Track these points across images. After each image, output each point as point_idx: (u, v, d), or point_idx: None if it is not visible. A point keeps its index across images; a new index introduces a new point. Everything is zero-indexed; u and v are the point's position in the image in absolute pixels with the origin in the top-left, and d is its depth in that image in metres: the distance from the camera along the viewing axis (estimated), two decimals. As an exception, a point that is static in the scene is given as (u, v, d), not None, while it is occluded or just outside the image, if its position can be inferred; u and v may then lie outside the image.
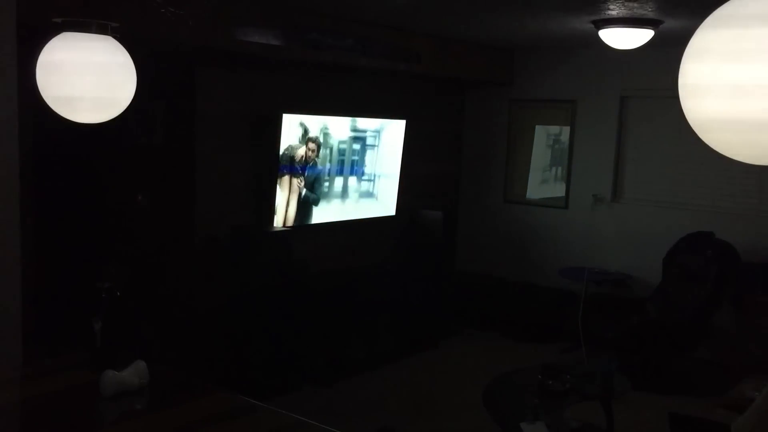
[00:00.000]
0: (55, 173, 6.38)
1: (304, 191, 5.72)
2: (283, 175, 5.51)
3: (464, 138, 7.57)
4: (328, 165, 5.87)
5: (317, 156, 5.76)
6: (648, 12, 4.50)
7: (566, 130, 6.92)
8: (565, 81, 6.85)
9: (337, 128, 5.88)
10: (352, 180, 6.16)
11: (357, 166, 6.17)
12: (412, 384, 5.59)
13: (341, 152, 5.97)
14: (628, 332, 5.55)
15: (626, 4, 4.26)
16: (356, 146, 6.10)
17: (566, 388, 4.17)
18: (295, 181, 5.67)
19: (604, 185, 6.71)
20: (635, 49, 5.09)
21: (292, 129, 5.48)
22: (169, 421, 2.29)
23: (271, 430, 2.31)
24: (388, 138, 6.36)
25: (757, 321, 5.88)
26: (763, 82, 1.12)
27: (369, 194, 6.34)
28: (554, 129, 7.05)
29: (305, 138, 5.62)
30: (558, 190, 7.00)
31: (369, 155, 6.24)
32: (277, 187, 5.44)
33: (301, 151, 5.63)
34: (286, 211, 5.59)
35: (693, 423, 3.41)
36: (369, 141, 6.20)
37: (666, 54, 5.86)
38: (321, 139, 5.76)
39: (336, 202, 6.02)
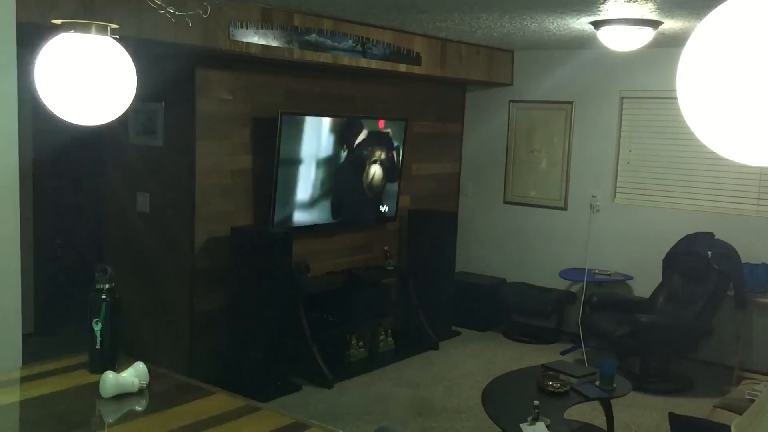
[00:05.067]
0: (54, 174, 6.38)
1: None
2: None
3: (464, 139, 7.57)
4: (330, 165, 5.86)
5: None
6: (647, 12, 4.50)
7: (566, 130, 6.92)
8: (565, 82, 6.85)
9: (337, 128, 5.88)
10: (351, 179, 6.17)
11: (356, 166, 6.16)
12: (412, 384, 5.59)
13: (341, 152, 5.97)
14: (628, 333, 5.55)
15: (625, 4, 4.26)
16: (355, 146, 6.09)
17: (566, 389, 4.17)
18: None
19: (603, 186, 6.71)
20: (635, 49, 5.10)
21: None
22: (169, 422, 2.29)
23: (271, 430, 2.31)
24: (387, 138, 6.36)
25: (757, 321, 5.89)
26: (763, 81, 1.12)
27: (369, 194, 6.34)
28: (554, 130, 7.05)
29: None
30: (558, 191, 7.00)
31: (368, 155, 6.23)
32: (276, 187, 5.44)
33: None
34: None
35: (693, 423, 3.41)
36: (369, 140, 6.19)
37: (665, 55, 5.92)
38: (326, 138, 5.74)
39: (336, 203, 6.01)
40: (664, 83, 6.07)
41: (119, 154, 5.56)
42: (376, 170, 6.30)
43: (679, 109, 1.30)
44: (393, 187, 6.51)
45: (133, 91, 2.17)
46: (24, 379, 2.63)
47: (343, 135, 5.93)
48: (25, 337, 2.98)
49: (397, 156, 6.46)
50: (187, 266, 5.24)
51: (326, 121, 5.77)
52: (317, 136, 5.74)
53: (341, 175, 6.00)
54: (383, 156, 6.33)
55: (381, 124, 6.20)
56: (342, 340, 5.82)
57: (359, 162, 6.16)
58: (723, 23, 1.18)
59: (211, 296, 5.30)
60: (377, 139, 6.24)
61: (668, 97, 5.96)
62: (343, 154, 5.98)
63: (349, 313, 5.83)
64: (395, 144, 6.41)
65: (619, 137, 6.65)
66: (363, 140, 6.11)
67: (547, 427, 3.67)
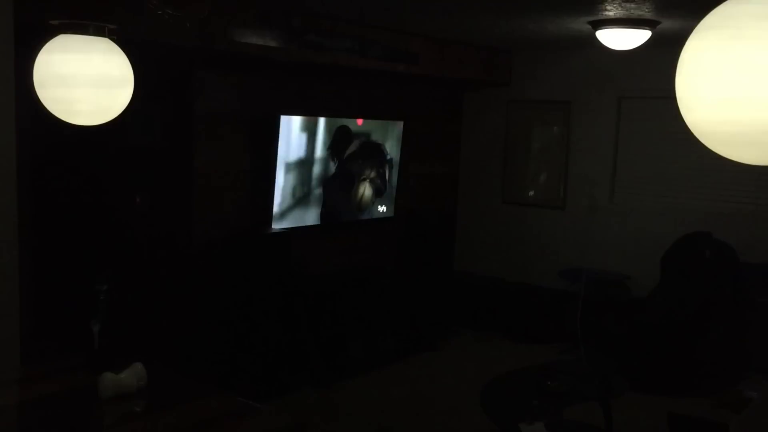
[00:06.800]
0: (52, 175, 6.38)
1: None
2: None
3: (462, 139, 7.58)
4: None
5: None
6: (645, 13, 4.51)
7: (564, 130, 6.93)
8: (563, 82, 6.85)
9: (334, 128, 5.88)
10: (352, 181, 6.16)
11: (356, 167, 6.16)
12: (411, 385, 5.59)
13: (341, 153, 5.96)
14: (627, 333, 5.56)
15: (623, 4, 4.27)
16: (355, 147, 6.09)
17: (565, 389, 4.17)
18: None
19: (601, 186, 6.71)
20: (633, 50, 5.10)
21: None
22: (168, 423, 2.29)
23: (270, 430, 2.31)
24: (386, 139, 6.36)
25: (756, 321, 5.89)
26: (761, 81, 1.13)
27: (368, 194, 6.34)
28: (552, 130, 7.06)
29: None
30: (556, 191, 7.01)
31: (368, 156, 6.23)
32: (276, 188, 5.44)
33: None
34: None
35: (692, 423, 3.42)
36: (368, 142, 6.19)
37: (663, 55, 5.89)
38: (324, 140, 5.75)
39: (335, 203, 6.01)
40: (662, 83, 6.03)
41: (117, 154, 5.55)
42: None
43: (677, 109, 1.30)
44: (390, 190, 6.51)
45: (130, 91, 2.17)
46: (23, 380, 2.63)
47: (335, 136, 5.92)
48: (24, 338, 2.98)
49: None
50: (185, 266, 5.23)
51: (324, 122, 5.77)
52: (315, 137, 5.74)
53: (335, 178, 6.00)
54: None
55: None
56: (341, 341, 5.82)
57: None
58: (721, 23, 1.18)
59: (210, 297, 5.30)
60: (367, 146, 6.23)
61: (666, 97, 5.96)
62: (336, 156, 5.98)
63: (347, 313, 5.83)
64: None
65: (617, 137, 6.65)
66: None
67: (546, 427, 3.67)
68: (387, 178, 6.45)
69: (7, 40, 2.83)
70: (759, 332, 5.90)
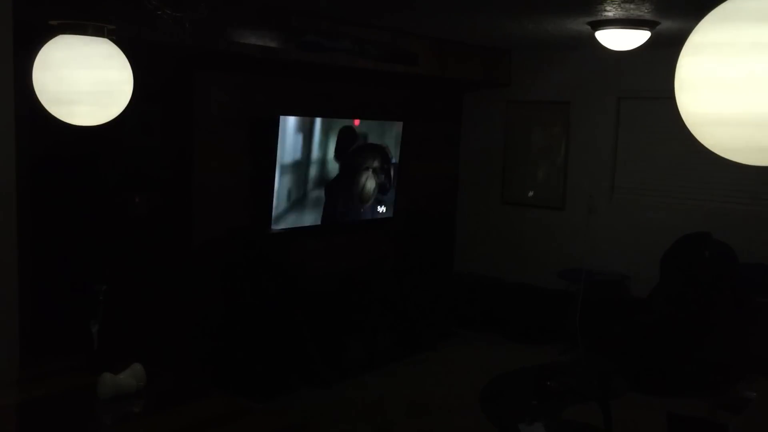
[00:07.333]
0: (51, 176, 6.38)
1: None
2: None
3: (462, 139, 7.58)
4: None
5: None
6: (644, 13, 4.51)
7: (563, 131, 6.93)
8: (563, 82, 6.85)
9: (334, 129, 5.88)
10: (351, 181, 6.16)
11: (359, 159, 6.16)
12: (411, 385, 5.59)
13: (340, 153, 5.96)
14: (626, 333, 5.56)
15: (623, 5, 4.27)
16: (360, 143, 6.09)
17: (564, 389, 4.17)
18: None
19: (601, 186, 6.71)
20: (632, 50, 5.10)
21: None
22: (167, 424, 2.29)
23: (270, 431, 2.31)
24: (385, 139, 6.36)
25: (756, 321, 5.89)
26: (761, 82, 1.12)
27: (371, 186, 6.34)
28: (551, 130, 7.05)
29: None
30: (556, 191, 7.01)
31: (371, 152, 6.23)
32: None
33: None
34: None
35: (692, 423, 3.41)
36: (364, 147, 6.19)
37: (663, 55, 5.89)
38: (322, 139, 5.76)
39: (337, 203, 6.01)
40: (661, 83, 6.03)
41: (117, 155, 5.55)
42: (369, 175, 6.29)
43: (676, 110, 1.30)
44: (390, 190, 6.51)
45: (130, 92, 2.17)
46: (23, 381, 2.63)
47: (340, 136, 5.93)
48: (24, 339, 2.97)
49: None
50: (184, 267, 5.23)
51: (324, 122, 5.77)
52: (315, 138, 5.74)
53: (338, 177, 6.00)
54: (377, 164, 6.32)
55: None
56: (340, 341, 5.82)
57: (355, 165, 6.15)
58: (720, 24, 1.18)
59: (209, 297, 5.30)
60: (372, 145, 6.23)
61: (665, 97, 5.96)
62: (340, 156, 5.98)
63: (346, 313, 5.83)
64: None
65: (617, 137, 6.65)
66: (359, 145, 6.10)
67: (545, 427, 3.67)
68: (392, 175, 6.45)
69: (6, 40, 2.83)
70: (759, 332, 5.90)
